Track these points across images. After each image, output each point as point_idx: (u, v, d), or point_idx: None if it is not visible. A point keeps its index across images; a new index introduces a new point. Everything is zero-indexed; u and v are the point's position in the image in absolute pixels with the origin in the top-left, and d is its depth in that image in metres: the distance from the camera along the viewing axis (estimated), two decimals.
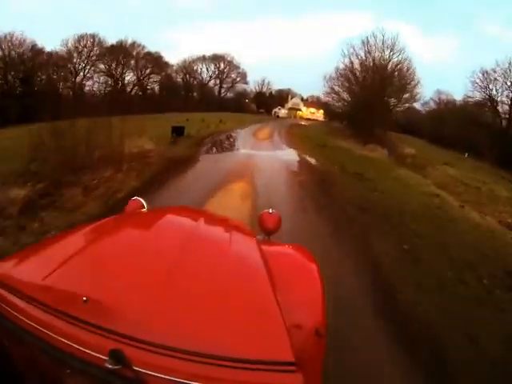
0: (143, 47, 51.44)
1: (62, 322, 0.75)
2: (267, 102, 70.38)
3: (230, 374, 0.68)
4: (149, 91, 56.09)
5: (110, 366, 0.64)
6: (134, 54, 49.83)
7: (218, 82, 66.81)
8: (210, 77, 65.87)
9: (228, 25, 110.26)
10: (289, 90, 73.66)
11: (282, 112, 68.25)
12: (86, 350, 0.69)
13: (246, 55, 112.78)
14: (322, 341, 0.99)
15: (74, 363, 0.68)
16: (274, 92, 77.22)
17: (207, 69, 65.24)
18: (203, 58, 64.65)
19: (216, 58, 65.38)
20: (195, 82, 64.86)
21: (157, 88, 57.67)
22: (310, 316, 1.06)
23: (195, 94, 65.26)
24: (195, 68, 64.49)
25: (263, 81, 73.42)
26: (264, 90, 74.82)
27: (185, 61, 62.68)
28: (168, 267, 0.95)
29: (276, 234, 1.96)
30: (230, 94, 68.95)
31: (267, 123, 33.55)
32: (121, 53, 48.35)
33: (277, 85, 75.86)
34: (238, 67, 66.70)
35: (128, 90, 51.15)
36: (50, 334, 0.73)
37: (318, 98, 78.87)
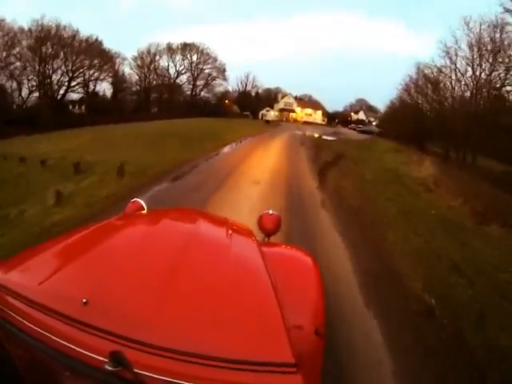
0: (64, 27, 35.45)
1: (62, 324, 0.74)
2: (253, 103, 57.41)
3: (231, 375, 0.68)
4: (100, 94, 42.79)
5: (110, 368, 0.64)
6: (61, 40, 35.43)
7: (190, 78, 53.59)
8: (178, 72, 52.48)
9: (209, 26, 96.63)
10: (278, 88, 60.44)
11: (272, 114, 55.28)
12: (86, 352, 0.69)
13: (230, 56, 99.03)
14: (321, 341, 0.99)
15: (74, 365, 0.69)
16: (261, 92, 64.72)
17: (174, 62, 51.83)
18: (169, 49, 51.28)
19: (186, 48, 52.10)
20: (161, 81, 51.47)
21: (109, 90, 44.40)
22: (310, 316, 1.07)
23: (166, 95, 52.17)
24: (159, 62, 51.15)
25: (247, 77, 60.44)
26: (249, 88, 61.93)
27: (144, 52, 49.32)
28: (168, 269, 0.94)
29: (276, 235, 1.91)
30: (207, 94, 55.94)
31: (252, 146, 15.05)
32: (39, 38, 33.81)
33: (264, 84, 63.18)
34: (214, 59, 53.63)
35: (60, 92, 37.05)
36: (50, 336, 0.72)
37: (310, 98, 66.39)
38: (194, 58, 52.32)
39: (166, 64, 51.49)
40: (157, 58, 50.48)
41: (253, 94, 64.87)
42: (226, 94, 57.83)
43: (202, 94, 54.62)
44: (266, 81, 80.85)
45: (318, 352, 0.97)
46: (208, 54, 53.11)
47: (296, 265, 1.38)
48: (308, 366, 0.82)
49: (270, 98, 60.80)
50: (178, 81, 52.34)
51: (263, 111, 55.59)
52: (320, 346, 0.98)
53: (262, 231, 1.89)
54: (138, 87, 50.20)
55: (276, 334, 0.78)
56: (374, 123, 58.75)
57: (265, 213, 1.97)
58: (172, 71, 52.55)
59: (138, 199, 1.85)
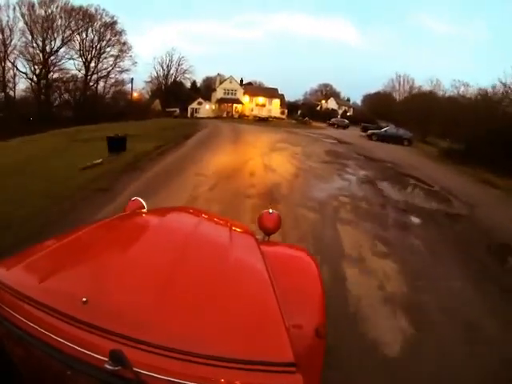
0: None
1: (62, 323, 0.74)
2: (184, 96, 39.59)
3: (230, 375, 0.68)
4: None
5: (110, 367, 0.64)
6: None
7: (77, 59, 34.61)
8: (52, 49, 33.29)
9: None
10: (219, 74, 42.85)
11: (207, 108, 37.82)
12: (86, 351, 0.69)
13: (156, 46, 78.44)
14: (321, 341, 1.00)
15: (74, 364, 0.69)
16: (201, 82, 47.51)
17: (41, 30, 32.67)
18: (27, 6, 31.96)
19: (69, 12, 33.11)
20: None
21: None
22: (310, 316, 1.07)
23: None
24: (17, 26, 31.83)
25: (171, 57, 42.50)
26: (173, 73, 44.10)
27: None
28: (168, 268, 0.95)
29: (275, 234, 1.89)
30: (109, 86, 37.30)
31: None
32: None
33: (201, 74, 45.89)
34: (117, 32, 35.18)
35: None
36: (50, 335, 0.72)
37: (260, 84, 49.09)
38: (78, 25, 33.45)
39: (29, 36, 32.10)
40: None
41: (186, 83, 47.36)
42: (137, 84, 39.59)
43: (98, 85, 35.95)
44: (205, 72, 63.42)
45: (318, 352, 0.98)
46: (106, 23, 34.37)
47: (296, 264, 1.38)
48: (308, 366, 0.82)
49: (210, 88, 43.48)
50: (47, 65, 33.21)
51: (194, 105, 37.82)
52: (321, 346, 0.99)
53: (261, 230, 1.89)
54: None
55: (275, 334, 0.78)
56: (348, 114, 44.06)
57: (265, 212, 1.94)
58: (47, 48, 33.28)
59: (138, 198, 1.79)
